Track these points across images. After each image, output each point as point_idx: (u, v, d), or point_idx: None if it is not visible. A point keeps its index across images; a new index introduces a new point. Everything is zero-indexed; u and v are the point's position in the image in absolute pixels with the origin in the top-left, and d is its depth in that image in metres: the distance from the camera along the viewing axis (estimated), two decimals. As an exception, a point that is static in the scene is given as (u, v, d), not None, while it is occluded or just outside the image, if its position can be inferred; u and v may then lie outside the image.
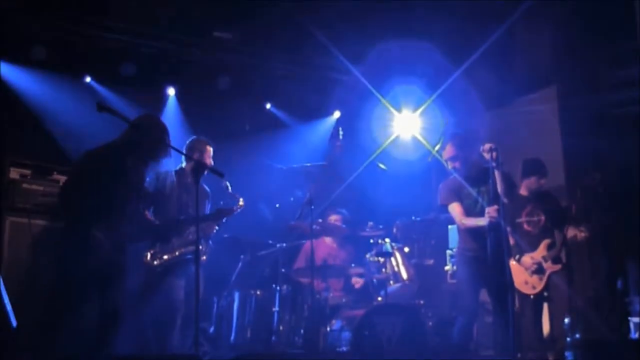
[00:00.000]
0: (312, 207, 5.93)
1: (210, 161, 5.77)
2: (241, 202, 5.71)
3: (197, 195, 4.69)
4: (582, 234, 6.10)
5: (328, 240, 7.06)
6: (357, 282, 6.79)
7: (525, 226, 6.21)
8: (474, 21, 8.01)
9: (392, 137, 8.64)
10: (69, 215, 4.55)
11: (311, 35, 8.02)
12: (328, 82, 8.66)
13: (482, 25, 8.15)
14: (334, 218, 6.95)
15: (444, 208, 5.82)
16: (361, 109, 8.90)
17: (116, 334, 4.58)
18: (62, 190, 4.83)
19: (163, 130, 4.78)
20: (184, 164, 5.83)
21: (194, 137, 5.96)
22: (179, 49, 8.10)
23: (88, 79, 7.83)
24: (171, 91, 8.29)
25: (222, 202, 5.75)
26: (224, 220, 5.79)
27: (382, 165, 7.05)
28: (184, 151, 5.62)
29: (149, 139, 4.68)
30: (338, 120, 8.77)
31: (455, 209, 5.61)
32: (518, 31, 8.50)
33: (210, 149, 5.85)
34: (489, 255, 5.26)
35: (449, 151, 5.73)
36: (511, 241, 6.08)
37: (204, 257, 5.59)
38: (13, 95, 7.09)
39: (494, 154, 5.22)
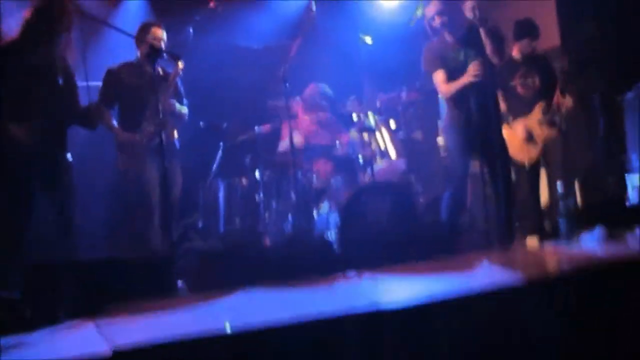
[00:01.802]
0: (287, 84, 5.53)
1: (159, 45, 5.28)
2: (180, 65, 5.30)
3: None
4: (568, 102, 5.83)
5: (307, 119, 6.67)
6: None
7: (519, 89, 5.91)
8: None
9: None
10: None
11: None
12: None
13: None
14: (312, 88, 6.58)
15: (429, 74, 5.44)
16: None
17: (70, 237, 4.44)
18: None
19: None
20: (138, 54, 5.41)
21: (141, 23, 5.51)
22: None
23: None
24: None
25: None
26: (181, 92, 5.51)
27: (365, 38, 6.57)
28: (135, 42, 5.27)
29: (45, 19, 4.38)
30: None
31: (438, 76, 5.22)
32: None
33: (160, 32, 5.37)
34: (474, 118, 4.96)
35: (434, 5, 5.28)
36: (502, 106, 5.80)
37: (176, 134, 5.38)
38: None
39: (476, 11, 4.85)
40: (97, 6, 7.05)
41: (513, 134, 5.83)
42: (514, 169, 5.76)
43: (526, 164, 5.83)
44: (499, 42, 5.11)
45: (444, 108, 5.37)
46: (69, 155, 4.59)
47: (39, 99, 4.35)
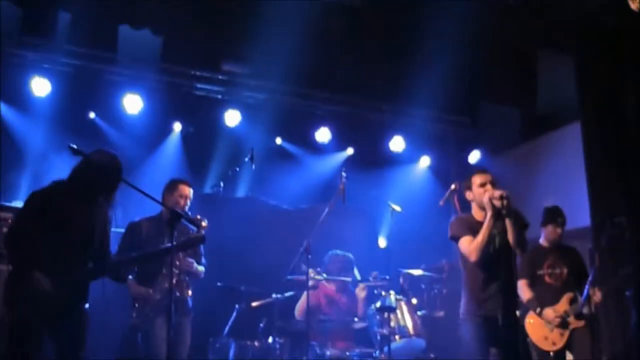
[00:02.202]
0: (310, 256, 5.43)
1: (184, 203, 5.38)
2: (204, 224, 5.20)
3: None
4: (598, 296, 5.72)
5: (327, 289, 6.50)
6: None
7: (547, 278, 5.89)
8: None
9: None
10: (12, 257, 4.29)
11: (326, 70, 7.69)
12: (343, 117, 8.34)
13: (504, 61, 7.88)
14: (335, 258, 6.45)
15: (455, 241, 5.21)
16: (375, 147, 8.49)
17: None
18: (7, 232, 4.45)
19: (115, 167, 4.39)
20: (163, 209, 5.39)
21: (170, 179, 5.57)
22: (186, 83, 7.87)
23: (92, 115, 7.55)
24: (177, 126, 7.97)
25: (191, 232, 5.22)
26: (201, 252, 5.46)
27: (395, 207, 6.52)
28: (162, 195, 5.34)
29: (100, 176, 4.32)
30: (349, 157, 8.35)
31: (464, 241, 4.87)
32: (540, 66, 8.17)
33: (186, 190, 5.42)
34: (500, 315, 4.75)
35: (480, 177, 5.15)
36: (527, 295, 5.79)
37: (190, 292, 5.33)
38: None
39: (505, 202, 4.74)
40: (132, 146, 7.30)
41: (539, 322, 5.74)
42: (538, 357, 5.63)
43: (551, 352, 5.67)
44: (522, 233, 4.96)
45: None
46: (87, 305, 4.50)
47: (73, 251, 4.30)
